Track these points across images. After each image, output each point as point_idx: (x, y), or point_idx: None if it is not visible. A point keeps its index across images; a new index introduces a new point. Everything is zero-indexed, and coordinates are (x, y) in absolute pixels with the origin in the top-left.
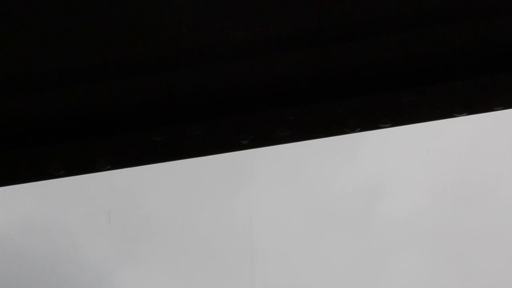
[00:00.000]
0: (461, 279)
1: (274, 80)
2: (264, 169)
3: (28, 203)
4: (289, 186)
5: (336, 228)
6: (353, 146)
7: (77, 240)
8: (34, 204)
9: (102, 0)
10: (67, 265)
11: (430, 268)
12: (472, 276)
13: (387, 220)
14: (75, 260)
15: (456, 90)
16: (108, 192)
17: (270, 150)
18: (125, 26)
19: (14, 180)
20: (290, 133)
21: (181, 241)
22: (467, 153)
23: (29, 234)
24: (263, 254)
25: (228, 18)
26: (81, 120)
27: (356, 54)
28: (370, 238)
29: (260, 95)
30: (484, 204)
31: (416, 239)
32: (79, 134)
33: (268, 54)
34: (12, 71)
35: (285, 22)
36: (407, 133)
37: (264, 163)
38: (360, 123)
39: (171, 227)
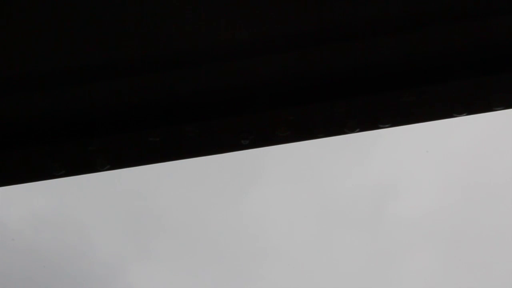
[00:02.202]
0: (473, 279)
1: (274, 80)
2: (275, 168)
3: (41, 201)
4: (299, 185)
5: (347, 227)
6: (364, 145)
7: (89, 237)
8: (47, 202)
9: (101, 1)
10: (79, 260)
11: (442, 268)
12: (484, 275)
13: (398, 220)
14: (87, 255)
15: (456, 90)
16: (120, 191)
17: (281, 149)
18: (125, 27)
19: (14, 180)
20: (290, 133)
21: (191, 239)
22: (479, 153)
23: (41, 230)
24: (273, 252)
25: (228, 18)
26: (81, 120)
27: (356, 54)
28: (381, 238)
29: (260, 95)
30: (496, 204)
31: (428, 239)
32: (78, 134)
33: (268, 54)
34: (12, 71)
35: (285, 22)
36: (418, 133)
37: (275, 162)
38: (359, 123)
39: (182, 225)
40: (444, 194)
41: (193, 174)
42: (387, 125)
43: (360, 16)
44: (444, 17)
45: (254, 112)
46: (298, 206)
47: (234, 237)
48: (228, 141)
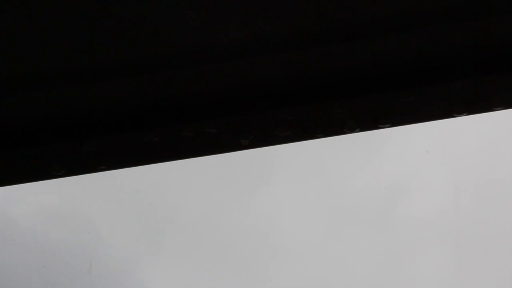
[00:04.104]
0: (484, 279)
1: (274, 80)
2: (284, 166)
3: (50, 197)
4: (309, 184)
5: (356, 227)
6: (374, 145)
7: (100, 233)
8: (57, 198)
9: (100, 1)
10: (89, 256)
11: (452, 268)
12: (495, 276)
13: (409, 220)
14: (97, 251)
15: (456, 90)
16: (130, 188)
17: (290, 148)
18: (124, 27)
19: (14, 180)
20: (289, 133)
21: (201, 236)
22: (490, 152)
23: (51, 226)
24: (282, 250)
25: (228, 18)
26: (80, 120)
27: (356, 54)
28: (391, 238)
29: (260, 95)
30: (508, 204)
31: (438, 239)
32: (78, 134)
33: (268, 54)
34: (12, 71)
35: (285, 22)
36: (428, 132)
37: (285, 161)
38: (359, 123)
39: (191, 223)
40: (455, 194)
41: (203, 172)
42: (387, 125)
43: (360, 16)
44: (444, 17)
45: (254, 112)
46: (307, 205)
47: (243, 235)
48: (228, 141)
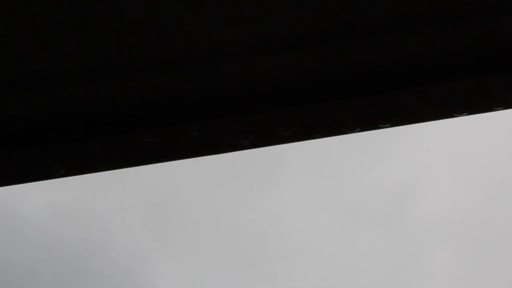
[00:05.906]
0: (495, 280)
1: (274, 80)
2: (293, 166)
3: (60, 193)
4: (318, 183)
5: (366, 227)
6: (384, 144)
7: (109, 230)
8: (66, 194)
9: (100, 1)
10: (98, 253)
11: (463, 269)
12: (507, 277)
13: (419, 220)
14: (107, 248)
15: (456, 90)
16: (142, 186)
17: (299, 147)
18: (124, 27)
19: (14, 180)
20: (289, 133)
21: (208, 236)
22: (501, 151)
23: (60, 222)
24: (291, 250)
25: (227, 18)
26: (81, 120)
27: (356, 54)
28: (401, 238)
29: (260, 95)
30: None
31: (449, 239)
32: (79, 134)
33: (268, 54)
34: (12, 71)
35: (285, 22)
36: (438, 132)
37: (293, 160)
38: (359, 123)
39: (200, 222)
40: (466, 193)
41: (212, 171)
42: (387, 125)
43: (359, 16)
44: (444, 17)
45: (254, 112)
46: (315, 204)
47: (251, 234)
48: (228, 141)
